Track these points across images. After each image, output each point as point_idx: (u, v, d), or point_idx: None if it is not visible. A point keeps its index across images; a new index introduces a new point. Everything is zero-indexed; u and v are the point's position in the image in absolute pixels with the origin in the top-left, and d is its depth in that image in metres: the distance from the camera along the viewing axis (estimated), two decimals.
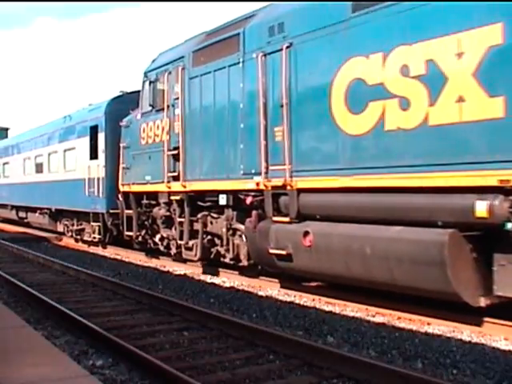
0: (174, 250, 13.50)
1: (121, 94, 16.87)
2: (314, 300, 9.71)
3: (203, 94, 11.66)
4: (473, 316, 7.64)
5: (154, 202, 14.09)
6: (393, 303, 8.56)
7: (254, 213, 10.16)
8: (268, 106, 9.89)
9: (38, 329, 7.62)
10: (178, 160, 12.40)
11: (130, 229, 15.07)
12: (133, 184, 14.47)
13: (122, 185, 15.05)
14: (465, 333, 7.50)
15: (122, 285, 10.82)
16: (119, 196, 15.48)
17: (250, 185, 10.28)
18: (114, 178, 16.05)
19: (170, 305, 8.97)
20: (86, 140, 17.69)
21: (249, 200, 10.36)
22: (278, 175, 9.55)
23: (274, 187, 9.72)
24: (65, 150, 19.74)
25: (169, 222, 13.54)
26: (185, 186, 12.15)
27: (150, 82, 13.45)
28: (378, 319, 8.31)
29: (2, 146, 28.67)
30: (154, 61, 14.08)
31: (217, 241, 12.19)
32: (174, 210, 12.90)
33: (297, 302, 9.69)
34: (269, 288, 10.87)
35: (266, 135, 9.86)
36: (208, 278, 12.31)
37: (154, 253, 15.10)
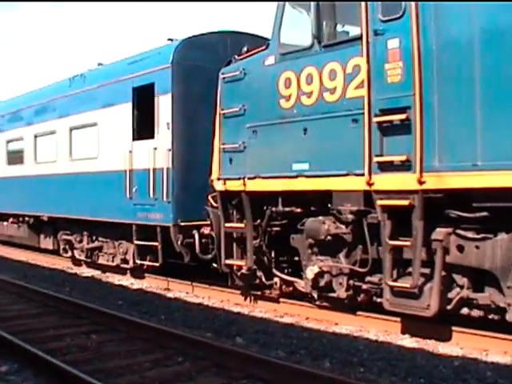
0: (342, 294, 8.31)
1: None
2: (222, 301, 10.29)
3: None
4: (379, 316, 8.15)
5: (298, 211, 8.75)
6: (301, 304, 9.18)
7: None
8: None
9: None
10: (395, 133, 7.23)
11: (229, 254, 9.72)
12: (253, 178, 9.07)
13: (223, 180, 9.59)
14: (371, 332, 8.02)
15: (28, 288, 10.90)
16: (211, 199, 10.04)
17: None
18: (188, 171, 10.63)
19: (78, 307, 9.17)
20: (124, 110, 12.00)
21: None
22: None
23: None
24: (72, 129, 13.86)
25: (335, 244, 8.28)
26: (422, 182, 6.91)
27: None
28: (287, 320, 8.83)
29: None
30: None
31: (460, 280, 7.25)
32: (372, 224, 7.66)
33: (206, 303, 10.23)
34: (178, 290, 11.38)
35: None
36: (116, 280, 12.65)
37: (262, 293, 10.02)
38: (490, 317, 7.28)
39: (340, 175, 7.79)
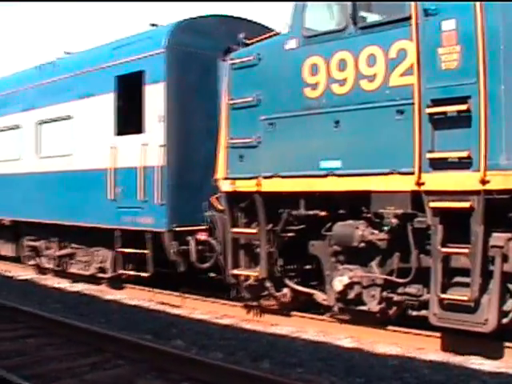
0: (373, 307, 7.70)
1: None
2: (162, 304, 10.32)
3: None
4: (318, 316, 8.58)
5: (323, 214, 7.99)
6: (239, 306, 9.42)
7: None
8: None
9: None
10: (451, 126, 6.59)
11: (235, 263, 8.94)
12: (270, 177, 8.28)
13: (231, 180, 8.74)
14: (310, 332, 8.27)
15: None
16: (214, 202, 9.23)
17: None
18: (183, 169, 9.79)
19: (14, 311, 9.14)
20: (106, 101, 11.00)
21: None
22: None
23: None
24: (40, 123, 12.72)
25: (367, 252, 7.59)
26: (485, 181, 6.28)
27: None
28: (226, 321, 9.11)
29: None
30: None
31: None
32: (417, 229, 6.97)
33: (145, 305, 10.27)
34: (117, 292, 11.41)
35: None
36: (55, 283, 12.56)
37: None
38: None
39: (382, 174, 7.08)
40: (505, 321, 6.66)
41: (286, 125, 8.09)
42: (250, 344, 7.60)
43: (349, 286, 7.77)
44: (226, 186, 8.84)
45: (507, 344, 7.03)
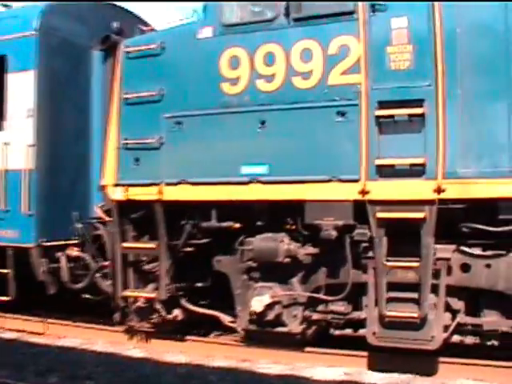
0: (295, 328, 7.18)
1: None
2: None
3: None
4: (107, 327, 8.45)
5: (237, 226, 7.16)
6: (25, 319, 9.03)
7: None
8: None
9: None
10: (401, 130, 6.14)
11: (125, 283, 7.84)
12: (175, 184, 7.24)
13: (124, 187, 7.56)
14: (99, 344, 8.19)
15: None
16: (99, 211, 8.02)
17: None
18: (54, 174, 8.45)
19: None
20: None
21: None
22: None
23: None
24: None
25: (288, 268, 6.92)
26: (442, 190, 5.90)
27: None
28: (10, 335, 8.73)
29: None
30: None
31: (456, 304, 6.40)
32: (356, 242, 6.44)
33: None
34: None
35: None
36: None
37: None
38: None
39: (319, 181, 6.40)
40: (445, 335, 6.32)
41: (197, 124, 7.12)
42: (37, 358, 7.44)
43: (269, 307, 6.97)
44: (116, 194, 7.64)
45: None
